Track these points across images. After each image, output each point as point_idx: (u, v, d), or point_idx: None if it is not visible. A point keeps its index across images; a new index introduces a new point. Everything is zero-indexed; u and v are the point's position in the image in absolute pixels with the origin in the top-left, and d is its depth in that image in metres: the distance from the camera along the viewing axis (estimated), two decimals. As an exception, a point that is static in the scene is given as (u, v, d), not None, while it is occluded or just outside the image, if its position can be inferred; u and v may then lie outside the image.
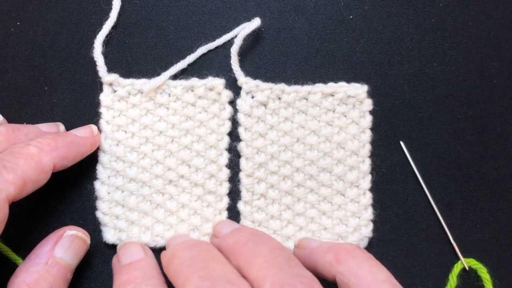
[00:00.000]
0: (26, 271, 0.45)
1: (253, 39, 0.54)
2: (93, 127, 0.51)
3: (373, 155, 0.53)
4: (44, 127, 0.51)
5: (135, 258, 0.47)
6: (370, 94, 0.53)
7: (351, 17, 0.54)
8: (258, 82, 0.52)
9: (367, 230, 0.52)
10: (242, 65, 0.53)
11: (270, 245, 0.43)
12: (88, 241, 0.49)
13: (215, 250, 0.44)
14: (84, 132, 0.51)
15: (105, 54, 0.53)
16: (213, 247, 0.45)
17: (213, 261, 0.42)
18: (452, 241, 0.52)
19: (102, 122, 0.52)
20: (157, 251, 0.52)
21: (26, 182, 0.43)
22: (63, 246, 0.47)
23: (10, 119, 0.53)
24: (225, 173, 0.52)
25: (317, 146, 0.52)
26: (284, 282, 0.38)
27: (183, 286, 0.40)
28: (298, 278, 0.39)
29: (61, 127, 0.52)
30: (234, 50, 0.52)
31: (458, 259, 0.52)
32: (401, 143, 0.53)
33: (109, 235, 0.51)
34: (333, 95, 0.52)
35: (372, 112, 0.53)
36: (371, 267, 0.42)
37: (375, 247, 0.52)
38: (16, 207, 0.53)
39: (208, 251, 0.43)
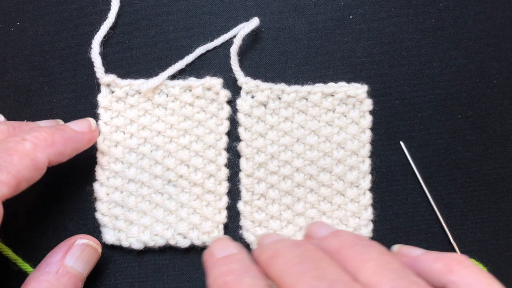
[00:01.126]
0: (36, 280, 0.44)
1: (253, 39, 0.54)
2: (92, 121, 0.50)
3: (373, 155, 0.53)
4: (44, 123, 0.50)
5: (230, 252, 0.45)
6: (370, 94, 0.53)
7: (351, 17, 0.54)
8: (258, 82, 0.52)
9: (367, 230, 0.52)
10: (242, 65, 0.53)
11: (379, 249, 0.41)
12: (99, 250, 0.49)
13: (320, 251, 0.41)
14: (82, 126, 0.49)
15: (105, 54, 0.53)
16: (317, 248, 0.42)
17: (323, 262, 0.39)
18: (452, 241, 0.52)
19: (100, 123, 0.52)
20: (157, 251, 0.52)
21: (20, 181, 0.42)
22: (74, 255, 0.47)
23: (10, 119, 0.53)
24: (224, 172, 0.52)
25: (317, 146, 0.52)
26: None
27: (293, 285, 0.38)
28: (417, 286, 0.37)
29: (61, 123, 0.52)
30: (234, 50, 0.52)
31: (456, 258, 0.51)
32: (401, 143, 0.53)
33: (108, 236, 0.51)
34: (333, 95, 0.52)
35: (372, 112, 0.52)
36: (486, 278, 0.41)
37: (375, 247, 0.52)
38: (16, 207, 0.53)
39: (314, 252, 0.41)
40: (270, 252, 0.42)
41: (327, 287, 0.36)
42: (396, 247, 0.48)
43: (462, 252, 0.52)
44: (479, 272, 0.42)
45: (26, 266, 0.50)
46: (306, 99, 0.52)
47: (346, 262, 0.40)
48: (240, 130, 0.52)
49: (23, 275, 0.51)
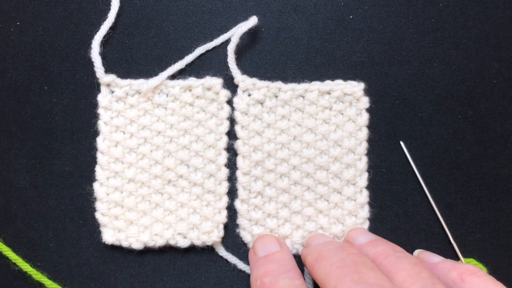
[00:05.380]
0: None
1: (252, 38, 0.54)
2: None
3: (373, 155, 0.53)
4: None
5: (270, 250, 0.48)
6: (370, 94, 0.53)
7: (351, 17, 0.54)
8: (254, 80, 0.52)
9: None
10: (242, 66, 0.53)
11: (411, 261, 0.43)
12: None
13: (363, 255, 0.43)
14: None
15: (105, 54, 0.54)
16: (360, 252, 0.44)
17: (364, 266, 0.41)
18: (452, 241, 0.52)
19: (100, 123, 0.52)
20: (157, 251, 0.52)
21: None
22: None
23: (10, 119, 0.53)
24: (224, 172, 0.52)
25: (314, 144, 0.52)
26: None
27: (334, 287, 0.40)
28: None
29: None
30: (231, 48, 0.52)
31: (458, 259, 0.51)
32: (401, 143, 0.53)
33: (108, 236, 0.51)
34: (329, 93, 0.52)
35: (371, 112, 0.52)
36: (495, 285, 0.42)
37: (374, 247, 0.52)
38: (16, 207, 0.53)
39: (357, 255, 0.43)
40: (315, 254, 0.44)
41: None
42: (416, 252, 0.50)
43: (462, 252, 0.52)
44: (489, 280, 0.43)
45: (26, 266, 0.50)
46: (303, 97, 0.52)
47: (382, 270, 0.42)
48: (237, 128, 0.52)
49: (23, 275, 0.51)
